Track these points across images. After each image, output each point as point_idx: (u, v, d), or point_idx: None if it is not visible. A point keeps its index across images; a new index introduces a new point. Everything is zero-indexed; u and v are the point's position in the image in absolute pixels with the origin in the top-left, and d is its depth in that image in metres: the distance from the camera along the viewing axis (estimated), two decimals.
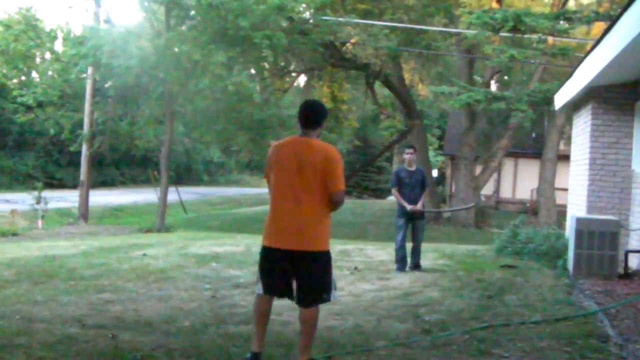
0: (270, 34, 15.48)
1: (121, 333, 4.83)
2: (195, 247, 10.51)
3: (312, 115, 4.16)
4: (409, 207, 8.07)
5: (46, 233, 15.75)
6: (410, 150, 8.37)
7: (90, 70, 18.23)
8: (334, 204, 3.96)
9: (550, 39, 16.89)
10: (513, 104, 17.09)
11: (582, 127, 9.23)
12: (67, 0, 35.03)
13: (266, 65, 21.18)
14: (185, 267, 8.34)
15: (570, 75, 9.33)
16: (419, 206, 8.16)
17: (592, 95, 8.47)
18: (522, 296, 6.39)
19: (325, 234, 3.98)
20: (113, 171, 39.78)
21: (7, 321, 5.22)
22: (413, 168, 8.25)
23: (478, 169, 22.67)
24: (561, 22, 16.12)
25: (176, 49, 16.48)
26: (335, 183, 3.92)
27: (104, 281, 7.20)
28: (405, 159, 8.27)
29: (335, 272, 7.90)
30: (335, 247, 10.64)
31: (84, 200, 19.48)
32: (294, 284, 3.97)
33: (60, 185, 33.57)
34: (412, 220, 8.22)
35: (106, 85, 19.53)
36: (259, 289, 4.12)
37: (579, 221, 7.45)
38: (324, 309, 5.94)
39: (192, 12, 17.34)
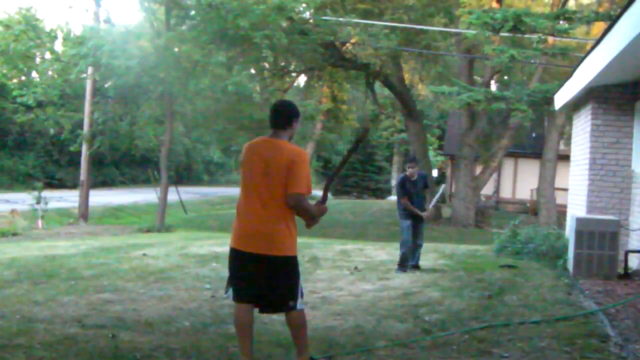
0: (270, 34, 15.48)
1: (121, 333, 4.83)
2: (195, 247, 10.51)
3: (280, 115, 3.99)
4: (423, 214, 8.46)
5: (46, 233, 15.74)
6: (412, 164, 8.60)
7: (90, 70, 18.22)
8: (290, 207, 3.79)
9: (550, 39, 16.88)
10: (513, 104, 17.08)
11: (582, 127, 9.23)
12: (67, 0, 35.09)
13: (266, 65, 21.17)
14: (185, 267, 8.34)
15: (570, 75, 9.33)
16: (427, 212, 8.61)
17: (592, 95, 8.47)
18: (522, 296, 6.39)
19: (290, 239, 3.86)
20: (113, 171, 39.77)
21: (7, 321, 5.22)
22: (415, 178, 8.46)
23: (478, 169, 22.66)
24: (561, 22, 16.11)
25: (176, 49, 16.48)
26: (293, 185, 3.76)
27: (104, 281, 7.20)
28: (408, 173, 8.46)
29: (335, 272, 7.95)
30: (335, 247, 10.66)
31: (84, 200, 19.48)
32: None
33: (60, 185, 33.56)
34: (416, 222, 8.44)
35: (106, 85, 19.53)
36: (229, 295, 4.01)
37: (579, 221, 7.45)
38: (323, 309, 5.96)
39: (192, 12, 17.34)
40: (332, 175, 4.94)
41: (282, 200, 3.79)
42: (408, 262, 8.28)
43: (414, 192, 8.39)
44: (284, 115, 3.99)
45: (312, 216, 3.99)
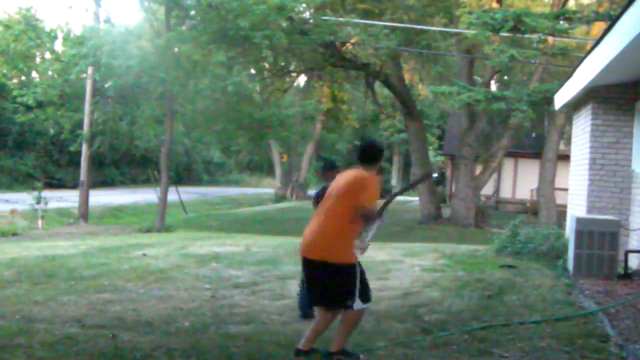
0: (270, 34, 15.47)
1: (121, 333, 4.83)
2: (195, 247, 10.51)
3: (361, 153, 4.64)
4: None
5: (46, 233, 15.74)
6: (332, 173, 5.86)
7: (90, 70, 18.21)
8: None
9: (550, 39, 16.87)
10: (513, 104, 17.08)
11: (582, 127, 9.23)
12: (67, 0, 35.06)
13: (266, 65, 21.17)
14: (185, 267, 8.34)
15: (570, 75, 9.32)
16: (362, 246, 5.74)
17: (592, 95, 8.47)
18: (522, 296, 6.39)
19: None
20: (113, 171, 39.74)
21: (7, 321, 5.22)
22: None
23: (478, 169, 22.66)
24: (561, 22, 16.11)
25: (176, 49, 16.47)
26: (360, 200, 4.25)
27: (104, 281, 7.20)
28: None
29: None
30: None
31: (84, 200, 19.47)
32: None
33: (60, 185, 33.52)
34: None
35: (106, 85, 19.50)
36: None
37: (579, 221, 7.45)
38: None
39: (192, 12, 17.34)
40: (390, 199, 5.22)
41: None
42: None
43: None
44: (366, 154, 4.66)
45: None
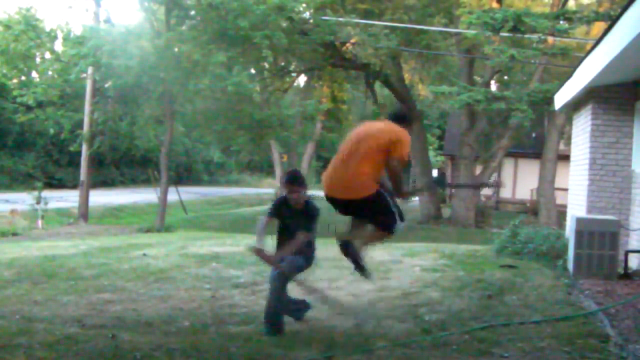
0: (270, 34, 15.48)
1: (121, 333, 4.83)
2: (195, 247, 10.51)
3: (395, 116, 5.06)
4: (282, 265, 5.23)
5: (46, 233, 15.74)
6: (295, 188, 5.25)
7: (90, 70, 18.21)
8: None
9: (550, 39, 16.89)
10: (513, 104, 17.09)
11: (582, 127, 9.23)
12: (67, 0, 35.08)
13: (266, 65, 21.18)
14: (185, 267, 8.34)
15: (570, 75, 9.32)
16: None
17: (592, 95, 8.47)
18: (522, 296, 6.39)
19: None
20: (113, 171, 39.74)
21: (7, 321, 5.22)
22: (300, 207, 5.34)
23: (478, 169, 22.66)
24: (561, 22, 16.13)
25: (176, 49, 16.48)
26: None
27: (104, 281, 7.20)
28: (291, 197, 5.27)
29: (335, 272, 7.93)
30: (335, 247, 10.63)
31: (84, 200, 19.47)
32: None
33: (60, 185, 33.52)
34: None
35: (106, 85, 19.51)
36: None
37: (579, 221, 7.44)
38: (323, 309, 5.96)
39: (192, 12, 17.35)
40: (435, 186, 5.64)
41: None
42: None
43: (291, 224, 5.28)
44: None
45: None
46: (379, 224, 4.65)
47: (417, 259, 9.17)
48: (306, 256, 5.31)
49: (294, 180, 5.17)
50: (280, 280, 5.14)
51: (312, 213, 5.25)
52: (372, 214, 4.60)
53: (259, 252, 4.94)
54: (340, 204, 4.65)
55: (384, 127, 4.73)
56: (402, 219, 4.62)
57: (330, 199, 4.69)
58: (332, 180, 4.63)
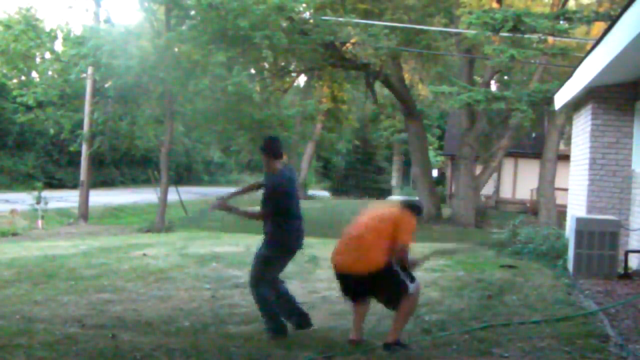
0: (270, 34, 15.47)
1: (121, 333, 4.83)
2: (195, 247, 10.51)
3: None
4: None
5: (46, 233, 15.74)
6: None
7: (90, 70, 18.20)
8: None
9: (550, 39, 16.88)
10: (513, 104, 17.07)
11: (582, 127, 9.23)
12: (67, 0, 35.06)
13: (266, 65, 21.16)
14: (185, 267, 8.34)
15: (570, 75, 9.33)
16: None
17: (592, 95, 8.47)
18: (522, 296, 6.39)
19: None
20: (113, 171, 39.73)
21: (7, 321, 5.22)
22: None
23: (478, 169, 22.65)
24: (561, 22, 16.11)
25: (176, 49, 16.46)
26: None
27: (104, 281, 7.20)
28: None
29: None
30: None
31: (84, 200, 19.46)
32: None
33: (60, 185, 33.50)
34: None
35: (106, 85, 19.49)
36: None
37: (579, 221, 7.45)
38: (323, 309, 5.96)
39: (192, 12, 17.32)
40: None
41: None
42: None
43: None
44: None
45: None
46: (392, 299, 4.62)
47: None
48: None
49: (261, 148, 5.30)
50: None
51: (266, 184, 5.26)
52: (385, 290, 4.62)
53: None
54: (351, 280, 4.65)
55: (389, 214, 4.75)
56: (412, 280, 4.65)
57: (340, 275, 4.72)
58: (343, 256, 4.67)
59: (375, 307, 5.95)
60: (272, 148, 5.14)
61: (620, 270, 7.34)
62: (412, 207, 4.83)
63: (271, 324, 4.96)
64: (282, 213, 5.06)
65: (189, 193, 31.78)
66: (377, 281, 4.55)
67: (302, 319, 5.12)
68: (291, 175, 5.27)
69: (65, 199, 23.51)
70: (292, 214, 5.11)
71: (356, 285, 4.64)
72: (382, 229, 4.61)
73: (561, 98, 10.18)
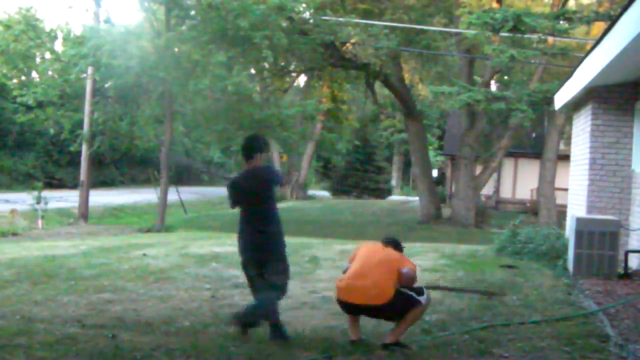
0: (270, 34, 15.47)
1: (121, 333, 4.83)
2: (195, 247, 10.51)
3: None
4: None
5: (46, 233, 15.74)
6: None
7: (90, 70, 18.20)
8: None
9: (550, 39, 16.88)
10: (513, 104, 17.08)
11: (582, 127, 9.23)
12: (67, 0, 35.07)
13: (266, 65, 21.15)
14: (185, 267, 8.34)
15: (570, 75, 9.32)
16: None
17: (592, 95, 8.47)
18: (522, 296, 6.39)
19: None
20: (113, 171, 39.74)
21: (7, 321, 5.22)
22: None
23: (478, 169, 22.66)
24: (561, 22, 16.12)
25: (176, 49, 16.46)
26: None
27: (104, 281, 7.20)
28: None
29: (335, 272, 7.92)
30: (335, 247, 10.66)
31: (84, 200, 19.47)
32: None
33: (60, 185, 33.52)
34: None
35: (106, 85, 19.50)
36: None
37: (579, 221, 7.45)
38: (323, 309, 5.96)
39: (192, 12, 17.33)
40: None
41: None
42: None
43: None
44: None
45: None
46: (403, 313, 4.62)
47: (417, 259, 9.14)
48: None
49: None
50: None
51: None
52: (397, 310, 4.61)
53: None
54: (361, 309, 4.62)
55: (388, 254, 4.76)
56: (421, 293, 4.64)
57: (345, 303, 4.64)
58: (352, 287, 4.59)
59: None
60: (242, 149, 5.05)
61: (620, 270, 7.34)
62: (397, 244, 4.90)
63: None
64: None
65: (189, 193, 31.80)
66: (390, 306, 4.54)
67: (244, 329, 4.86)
68: (235, 180, 5.12)
69: (65, 199, 23.52)
70: (240, 219, 5.01)
71: (365, 312, 4.63)
72: (388, 263, 4.63)
73: (561, 98, 10.18)
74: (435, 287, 5.40)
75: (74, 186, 27.88)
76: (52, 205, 19.24)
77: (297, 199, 34.50)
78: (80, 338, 4.64)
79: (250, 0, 15.34)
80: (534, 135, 27.80)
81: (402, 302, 4.56)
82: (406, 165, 40.97)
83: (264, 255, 4.86)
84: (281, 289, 4.91)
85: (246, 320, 4.69)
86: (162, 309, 5.90)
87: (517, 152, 28.26)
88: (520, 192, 29.34)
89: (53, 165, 35.56)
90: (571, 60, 17.38)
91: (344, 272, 4.80)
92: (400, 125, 31.86)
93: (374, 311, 4.61)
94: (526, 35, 16.02)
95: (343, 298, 4.62)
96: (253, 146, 4.94)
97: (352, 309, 4.66)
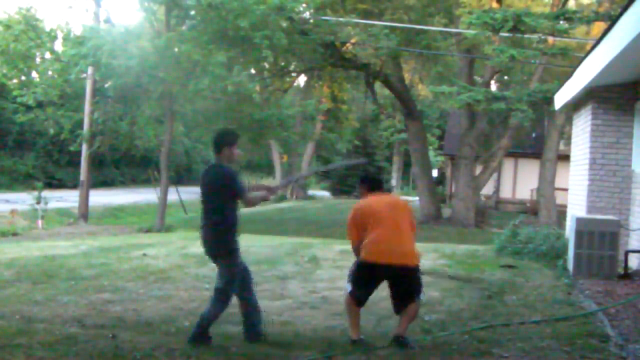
0: (270, 34, 15.47)
1: (121, 333, 4.83)
2: (195, 247, 10.48)
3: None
4: None
5: (46, 233, 15.74)
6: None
7: (90, 70, 18.20)
8: None
9: (550, 39, 16.89)
10: (513, 104, 17.08)
11: (582, 127, 9.24)
12: (67, 0, 35.08)
13: (266, 65, 21.16)
14: (185, 267, 8.34)
15: (570, 75, 9.33)
16: None
17: (592, 95, 8.47)
18: (522, 296, 6.39)
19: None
20: (113, 171, 39.76)
21: (7, 321, 5.22)
22: None
23: (478, 169, 22.66)
24: (561, 22, 16.12)
25: (176, 49, 16.46)
26: None
27: (104, 281, 7.20)
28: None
29: (335, 272, 7.94)
30: (335, 247, 10.65)
31: (84, 200, 19.47)
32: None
33: (60, 185, 33.54)
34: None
35: (106, 85, 19.49)
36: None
37: (579, 221, 7.45)
38: (323, 309, 5.96)
39: (192, 12, 17.32)
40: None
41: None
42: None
43: None
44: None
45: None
46: (413, 295, 4.72)
47: None
48: None
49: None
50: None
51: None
52: (414, 285, 4.74)
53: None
54: (391, 272, 4.67)
55: (403, 204, 5.01)
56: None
57: (380, 266, 4.65)
58: (390, 245, 4.64)
59: (374, 307, 5.96)
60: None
61: (620, 270, 7.34)
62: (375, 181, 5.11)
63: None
64: None
65: (189, 193, 31.79)
66: (416, 272, 4.71)
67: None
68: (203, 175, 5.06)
69: (65, 199, 23.52)
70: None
71: (395, 277, 4.67)
72: (409, 220, 4.83)
73: (561, 98, 10.18)
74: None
75: (74, 186, 27.88)
76: (52, 205, 19.24)
77: (297, 198, 34.51)
78: (80, 338, 4.65)
79: (250, 0, 15.34)
80: (534, 135, 27.79)
81: (419, 278, 4.76)
82: (406, 165, 40.93)
83: (211, 251, 4.84)
84: (223, 294, 4.73)
85: (199, 335, 4.66)
86: (162, 309, 5.90)
87: (517, 152, 28.26)
88: (520, 192, 29.34)
89: (53, 165, 35.57)
90: (571, 60, 17.38)
91: (359, 240, 4.78)
92: (400, 125, 31.84)
93: (403, 277, 4.66)
94: (526, 35, 16.03)
95: (383, 260, 4.61)
96: (219, 140, 4.94)
97: (387, 274, 4.67)
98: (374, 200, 4.88)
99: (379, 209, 4.78)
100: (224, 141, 4.89)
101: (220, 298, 4.71)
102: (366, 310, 5.75)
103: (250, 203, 4.84)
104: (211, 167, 4.97)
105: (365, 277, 4.75)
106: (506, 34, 15.78)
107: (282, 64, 22.11)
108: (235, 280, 4.72)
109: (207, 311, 4.71)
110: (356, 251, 4.88)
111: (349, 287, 4.82)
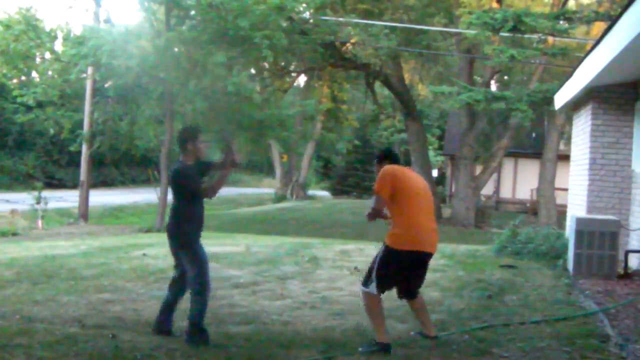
0: (270, 34, 15.47)
1: (121, 333, 4.83)
2: None
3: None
4: None
5: (46, 233, 15.73)
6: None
7: (90, 70, 18.19)
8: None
9: (550, 39, 16.89)
10: (513, 104, 17.09)
11: (582, 127, 9.24)
12: (67, 0, 35.08)
13: (266, 65, 21.16)
14: None
15: (570, 75, 9.33)
16: None
17: (592, 95, 8.47)
18: (522, 296, 6.39)
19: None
20: (113, 171, 39.74)
21: (7, 321, 5.22)
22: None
23: (478, 169, 22.67)
24: (561, 22, 16.13)
25: (176, 49, 16.46)
26: None
27: (104, 281, 7.20)
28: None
29: (335, 272, 7.94)
30: (335, 247, 10.66)
31: (84, 200, 19.47)
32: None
33: (60, 185, 33.53)
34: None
35: (106, 85, 19.48)
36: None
37: (579, 221, 7.45)
38: (323, 309, 5.96)
39: (192, 12, 17.32)
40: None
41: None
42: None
43: None
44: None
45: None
46: (420, 285, 4.81)
47: None
48: None
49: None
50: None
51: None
52: (423, 277, 4.80)
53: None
54: (423, 258, 4.62)
55: (426, 185, 4.84)
56: None
57: (419, 254, 4.51)
58: (430, 233, 4.57)
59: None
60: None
61: (620, 270, 7.34)
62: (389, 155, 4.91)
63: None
64: None
65: None
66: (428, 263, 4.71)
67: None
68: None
69: (65, 199, 23.52)
70: None
71: (425, 266, 4.65)
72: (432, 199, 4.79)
73: (561, 98, 10.19)
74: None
75: (74, 186, 27.86)
76: (52, 205, 19.24)
77: (297, 198, 34.51)
78: (80, 338, 4.65)
79: (250, 0, 15.34)
80: (534, 135, 27.80)
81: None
82: (406, 165, 40.94)
83: (172, 243, 5.06)
84: (197, 286, 4.81)
85: (194, 334, 4.67)
86: None
87: (517, 152, 28.27)
88: (520, 192, 29.36)
89: (53, 165, 35.56)
90: (571, 60, 17.39)
91: (377, 211, 4.62)
92: (400, 125, 31.86)
93: (426, 263, 4.67)
94: (526, 35, 16.03)
95: (424, 249, 4.55)
96: (181, 137, 5.00)
97: (419, 261, 4.60)
98: (406, 170, 4.78)
99: (414, 183, 4.62)
100: (186, 137, 4.93)
101: (197, 291, 4.78)
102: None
103: (208, 193, 4.87)
104: (176, 162, 5.11)
105: (403, 265, 4.49)
106: (506, 34, 15.79)
107: (282, 64, 22.12)
108: (203, 267, 4.83)
109: (191, 311, 4.72)
110: (376, 211, 4.64)
111: (371, 287, 4.48)
